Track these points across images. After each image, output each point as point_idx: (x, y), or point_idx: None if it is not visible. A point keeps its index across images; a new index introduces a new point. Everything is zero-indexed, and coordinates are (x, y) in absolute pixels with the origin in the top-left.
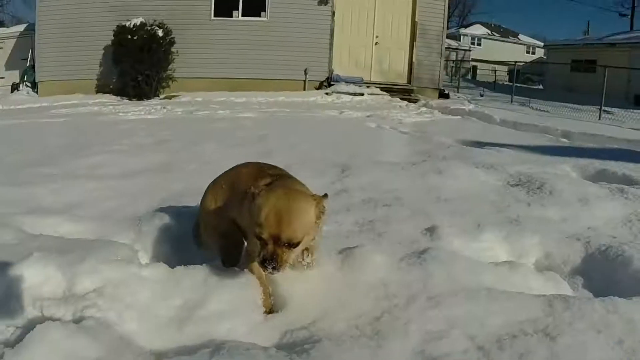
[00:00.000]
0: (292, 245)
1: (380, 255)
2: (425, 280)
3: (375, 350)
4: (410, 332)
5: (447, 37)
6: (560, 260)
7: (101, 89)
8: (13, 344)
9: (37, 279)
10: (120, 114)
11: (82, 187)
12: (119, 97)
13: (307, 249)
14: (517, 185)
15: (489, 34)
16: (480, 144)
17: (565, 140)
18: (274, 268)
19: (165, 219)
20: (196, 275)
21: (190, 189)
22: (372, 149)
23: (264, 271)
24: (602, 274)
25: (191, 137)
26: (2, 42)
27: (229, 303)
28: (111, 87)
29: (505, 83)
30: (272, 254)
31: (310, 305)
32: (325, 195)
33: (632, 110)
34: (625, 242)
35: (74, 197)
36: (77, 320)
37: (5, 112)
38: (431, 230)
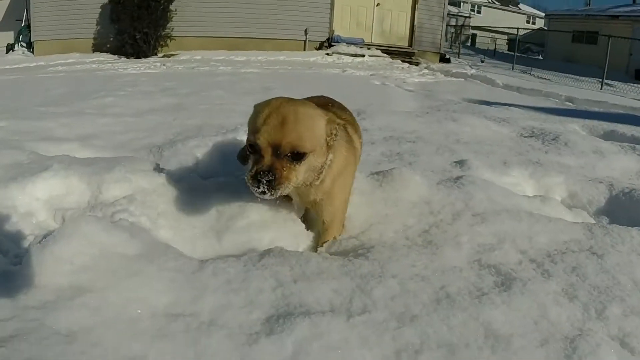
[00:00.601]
0: (296, 156)
1: (418, 176)
2: (467, 200)
3: (431, 257)
4: (462, 243)
5: (448, 4)
6: (586, 200)
7: (98, 48)
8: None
9: (59, 190)
10: (120, 69)
11: (94, 122)
12: (116, 55)
13: (316, 204)
14: (531, 136)
15: (489, 2)
16: (487, 103)
17: (570, 104)
18: (269, 184)
19: (188, 145)
20: (228, 188)
21: (207, 123)
22: (381, 100)
23: (255, 192)
24: (627, 215)
25: (197, 86)
26: None
27: (269, 214)
28: (108, 45)
29: (505, 52)
30: (270, 167)
31: (354, 218)
32: (343, 121)
33: (632, 84)
34: None
35: (86, 130)
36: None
37: (2, 71)
38: (460, 163)
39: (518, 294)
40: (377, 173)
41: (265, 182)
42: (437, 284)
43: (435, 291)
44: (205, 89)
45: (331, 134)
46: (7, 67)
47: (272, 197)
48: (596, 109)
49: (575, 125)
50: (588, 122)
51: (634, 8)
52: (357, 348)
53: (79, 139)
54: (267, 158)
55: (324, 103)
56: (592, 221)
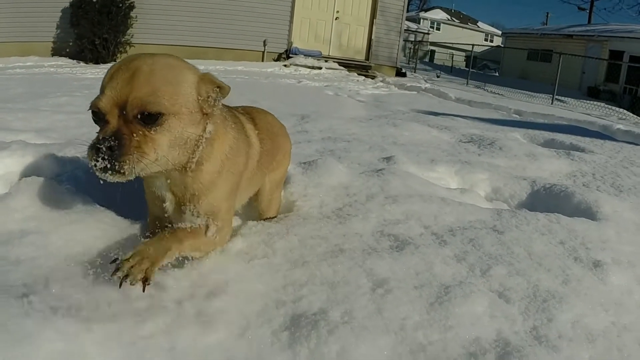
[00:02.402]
0: (149, 118)
1: (342, 165)
2: (383, 185)
3: (337, 226)
4: (370, 218)
5: (407, 20)
6: (508, 195)
7: (57, 52)
8: None
9: (15, 168)
10: (78, 74)
11: (49, 118)
12: (75, 60)
13: (193, 200)
14: (469, 142)
15: (448, 19)
16: (435, 113)
17: (517, 116)
18: (111, 154)
19: None
20: None
21: None
22: (329, 108)
23: (94, 168)
24: (546, 207)
25: None
26: None
27: None
28: (67, 50)
29: (462, 68)
30: (114, 132)
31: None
32: (226, 88)
33: (584, 100)
34: (569, 185)
35: (42, 124)
36: None
37: None
38: (388, 159)
39: (408, 254)
40: (304, 163)
41: (105, 150)
42: (334, 242)
43: (330, 247)
44: None
45: (207, 96)
46: None
47: (120, 177)
48: (541, 121)
49: (516, 134)
50: (530, 131)
51: (588, 28)
52: (253, 282)
53: (34, 130)
54: (113, 122)
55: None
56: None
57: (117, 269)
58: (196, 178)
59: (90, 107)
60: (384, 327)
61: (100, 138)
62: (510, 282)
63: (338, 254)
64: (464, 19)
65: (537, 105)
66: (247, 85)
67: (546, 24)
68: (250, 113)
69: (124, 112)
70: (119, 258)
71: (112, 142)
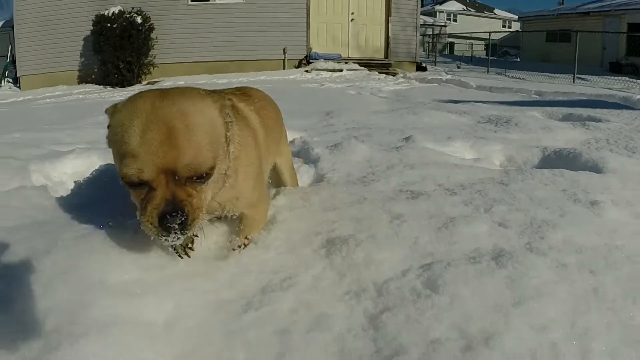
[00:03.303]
0: (201, 177)
1: (364, 145)
2: (402, 157)
3: (362, 187)
4: (390, 181)
5: (423, 15)
6: (521, 162)
7: (83, 79)
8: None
9: (81, 167)
10: (107, 97)
11: (95, 133)
12: (101, 85)
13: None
14: (487, 122)
15: (464, 10)
16: (455, 101)
17: (537, 97)
18: (182, 226)
19: None
20: None
21: None
22: (352, 105)
23: (161, 238)
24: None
25: None
26: None
27: None
28: (93, 76)
29: (483, 57)
30: (174, 204)
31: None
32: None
33: (606, 76)
34: (581, 151)
35: (90, 138)
36: None
37: None
38: (407, 139)
39: (422, 201)
40: (331, 145)
41: (177, 227)
42: (359, 195)
43: (356, 198)
44: None
45: (227, 123)
46: None
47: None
48: (561, 99)
49: (535, 112)
50: (548, 109)
51: (603, 3)
52: (295, 221)
53: (85, 142)
54: (162, 190)
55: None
56: None
57: None
58: (226, 194)
59: (126, 177)
60: (400, 243)
61: (163, 212)
62: (510, 215)
63: (363, 201)
64: (480, 8)
65: (558, 85)
66: (272, 93)
67: (562, 4)
68: (246, 94)
69: (176, 177)
70: None
71: (182, 219)
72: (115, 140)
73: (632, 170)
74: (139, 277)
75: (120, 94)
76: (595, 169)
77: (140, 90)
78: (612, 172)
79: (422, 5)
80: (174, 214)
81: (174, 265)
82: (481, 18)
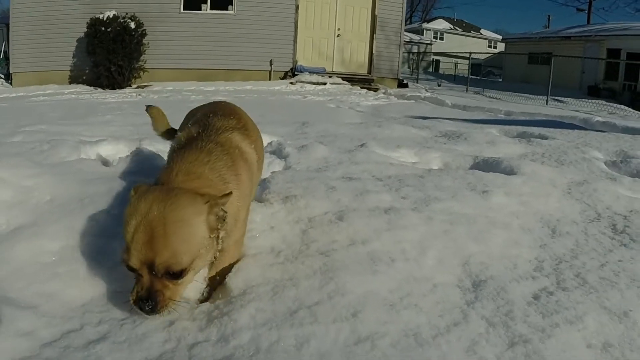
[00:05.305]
0: (174, 275)
1: (325, 147)
2: (351, 157)
3: (316, 174)
4: (337, 171)
5: (410, 32)
6: (454, 166)
7: (74, 79)
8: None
9: (111, 151)
10: (100, 98)
11: (107, 129)
12: (92, 87)
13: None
14: (442, 136)
15: (451, 28)
16: (425, 117)
17: (502, 116)
18: (151, 310)
19: None
20: None
21: None
22: (329, 117)
23: (140, 313)
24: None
25: (176, 109)
26: None
27: None
28: (84, 77)
29: (466, 76)
30: (148, 290)
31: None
32: (228, 194)
33: (583, 99)
34: (506, 159)
35: (105, 132)
36: None
37: None
38: (362, 145)
39: (353, 182)
40: (300, 146)
41: (147, 309)
42: (311, 177)
43: (308, 178)
44: (183, 110)
45: (217, 220)
46: None
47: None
48: (523, 118)
49: (492, 130)
50: (507, 127)
51: (585, 28)
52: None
53: (106, 135)
54: (145, 278)
55: (208, 112)
56: None
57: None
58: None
59: (123, 262)
60: (328, 200)
61: (139, 296)
62: (412, 193)
63: (312, 179)
64: (467, 27)
65: (529, 106)
66: (256, 103)
67: (548, 27)
68: (245, 127)
69: (153, 272)
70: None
71: (150, 305)
72: (123, 228)
73: (541, 174)
74: None
75: (112, 96)
76: (509, 172)
77: (149, 188)
78: (522, 174)
79: (410, 22)
80: (146, 300)
81: None
82: (468, 37)
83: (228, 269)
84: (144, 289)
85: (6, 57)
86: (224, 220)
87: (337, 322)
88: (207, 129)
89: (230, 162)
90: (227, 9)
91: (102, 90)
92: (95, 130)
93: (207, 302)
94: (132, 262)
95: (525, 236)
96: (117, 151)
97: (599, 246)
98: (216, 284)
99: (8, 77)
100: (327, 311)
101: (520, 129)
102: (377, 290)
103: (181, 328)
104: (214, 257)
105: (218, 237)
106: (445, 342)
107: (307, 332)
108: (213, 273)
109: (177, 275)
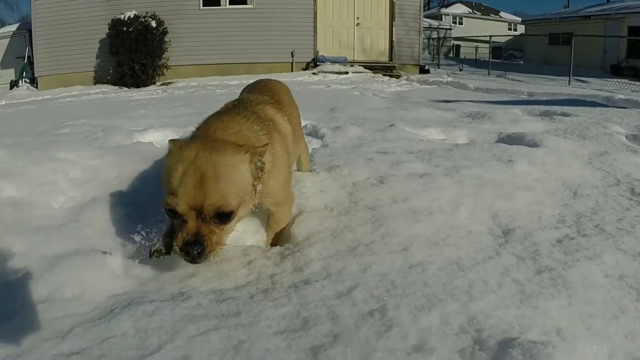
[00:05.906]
0: (223, 218)
1: (358, 128)
2: (383, 135)
3: (353, 149)
4: (372, 147)
5: (429, 17)
6: (480, 142)
7: (99, 80)
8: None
9: (159, 137)
10: (127, 97)
11: (146, 121)
12: (117, 86)
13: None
14: (466, 117)
15: (470, 13)
16: (448, 101)
17: (526, 97)
18: (199, 255)
19: None
20: None
21: None
22: (355, 103)
23: (186, 259)
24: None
25: (203, 103)
26: None
27: None
28: (109, 77)
29: (487, 59)
30: (196, 235)
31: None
32: (265, 145)
33: (606, 79)
34: (529, 134)
35: (144, 125)
36: None
37: (12, 105)
38: (391, 126)
39: (388, 155)
40: (334, 127)
41: (195, 253)
42: (349, 152)
43: (346, 152)
44: (212, 104)
45: (257, 169)
46: (16, 101)
47: (209, 261)
48: (546, 98)
49: (515, 110)
50: (529, 107)
51: (605, 7)
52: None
53: (147, 126)
54: (191, 224)
55: (249, 89)
56: None
57: None
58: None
59: (167, 207)
60: (368, 168)
61: (186, 240)
62: (443, 163)
63: (350, 153)
64: (486, 11)
65: (551, 87)
66: None
67: (567, 7)
68: (278, 101)
69: (202, 215)
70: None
71: (198, 249)
72: (164, 177)
73: (563, 147)
74: None
75: (138, 94)
76: (532, 145)
77: (194, 135)
78: (544, 147)
79: (429, 8)
80: (194, 243)
81: None
82: (487, 21)
83: (281, 232)
84: (190, 233)
85: (30, 62)
86: (262, 170)
87: (391, 254)
88: (243, 102)
89: (265, 130)
90: (245, 3)
91: (127, 88)
92: (136, 122)
93: (277, 246)
94: (180, 206)
95: (549, 197)
96: (166, 136)
97: (617, 205)
98: (276, 242)
99: (34, 81)
100: (381, 247)
101: (543, 108)
102: (421, 233)
103: (259, 265)
104: (254, 207)
105: (256, 189)
106: (482, 269)
107: (367, 260)
108: (271, 236)
109: (225, 216)
